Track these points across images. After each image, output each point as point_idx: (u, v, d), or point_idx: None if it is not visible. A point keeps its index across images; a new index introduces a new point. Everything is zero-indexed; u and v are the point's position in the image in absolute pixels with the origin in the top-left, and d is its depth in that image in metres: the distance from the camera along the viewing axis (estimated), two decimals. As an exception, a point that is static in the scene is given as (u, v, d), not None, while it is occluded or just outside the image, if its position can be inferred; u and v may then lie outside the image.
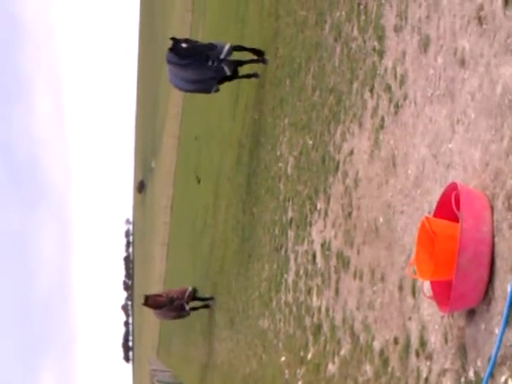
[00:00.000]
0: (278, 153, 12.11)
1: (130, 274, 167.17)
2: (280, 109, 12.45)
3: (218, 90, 15.40)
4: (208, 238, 25.06)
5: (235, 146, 19.82)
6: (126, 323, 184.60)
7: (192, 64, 13.90)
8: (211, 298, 20.76)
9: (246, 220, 15.57)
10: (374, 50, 6.89)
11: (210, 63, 14.02)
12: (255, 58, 14.88)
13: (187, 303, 19.82)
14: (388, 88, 6.28)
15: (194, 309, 20.63)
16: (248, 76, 15.70)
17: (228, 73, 14.40)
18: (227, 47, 14.20)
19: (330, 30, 8.99)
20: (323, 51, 9.25)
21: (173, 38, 14.05)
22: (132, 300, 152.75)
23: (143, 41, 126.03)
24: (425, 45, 5.45)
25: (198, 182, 32.73)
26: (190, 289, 20.07)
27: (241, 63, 14.89)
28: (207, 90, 15.39)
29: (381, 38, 6.68)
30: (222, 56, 14.09)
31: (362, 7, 7.54)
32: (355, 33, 7.72)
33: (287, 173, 11.05)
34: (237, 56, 15.08)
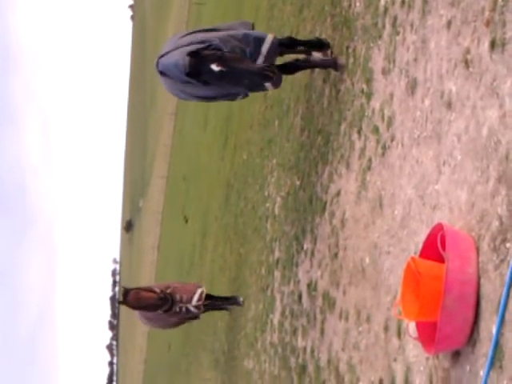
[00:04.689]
0: (266, 193, 12.12)
1: (115, 313, 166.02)
2: (268, 149, 12.49)
3: (246, 96, 9.11)
4: (195, 278, 24.94)
5: (223, 186, 19.84)
6: (111, 363, 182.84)
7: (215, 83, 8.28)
8: (233, 298, 14.40)
9: (233, 260, 15.53)
10: (362, 92, 6.94)
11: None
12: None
13: (198, 308, 13.20)
14: (375, 129, 6.32)
15: (207, 309, 14.01)
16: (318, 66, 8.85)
17: (268, 85, 8.31)
18: (269, 40, 8.31)
19: (318, 72, 9.05)
20: (312, 93, 9.31)
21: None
22: (117, 340, 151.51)
23: (134, 76, 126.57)
24: (412, 87, 5.50)
25: (186, 221, 32.67)
26: (199, 290, 13.26)
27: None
28: (232, 98, 9.22)
29: (369, 81, 6.74)
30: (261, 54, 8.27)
31: (350, 50, 7.62)
32: (344, 75, 7.78)
33: (274, 213, 11.06)
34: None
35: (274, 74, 7.97)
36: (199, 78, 8.12)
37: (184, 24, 48.63)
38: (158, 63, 8.40)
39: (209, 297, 13.64)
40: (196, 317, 13.42)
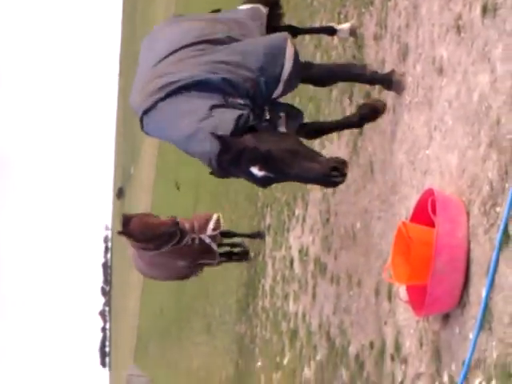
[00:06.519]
0: (258, 159, 12.11)
1: (108, 279, 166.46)
2: (260, 115, 12.45)
3: None
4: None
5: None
6: (103, 329, 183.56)
7: None
8: (257, 236, 11.40)
9: (225, 226, 15.57)
10: (353, 58, 6.94)
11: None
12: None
13: (214, 241, 10.46)
14: (367, 95, 6.33)
15: (226, 254, 11.67)
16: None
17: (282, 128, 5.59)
18: (290, 56, 5.70)
19: (310, 39, 9.03)
20: (303, 59, 9.28)
21: None
22: (109, 306, 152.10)
23: (125, 46, 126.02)
24: (404, 53, 5.50)
25: (178, 188, 32.68)
26: (215, 216, 10.72)
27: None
28: None
29: (360, 47, 6.73)
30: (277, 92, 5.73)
31: (342, 16, 7.60)
32: (335, 41, 7.77)
33: (266, 179, 11.05)
34: None
35: (343, 175, 5.10)
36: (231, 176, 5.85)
37: (173, 4, 48.16)
38: (141, 120, 5.81)
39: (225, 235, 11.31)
40: (213, 259, 10.67)
